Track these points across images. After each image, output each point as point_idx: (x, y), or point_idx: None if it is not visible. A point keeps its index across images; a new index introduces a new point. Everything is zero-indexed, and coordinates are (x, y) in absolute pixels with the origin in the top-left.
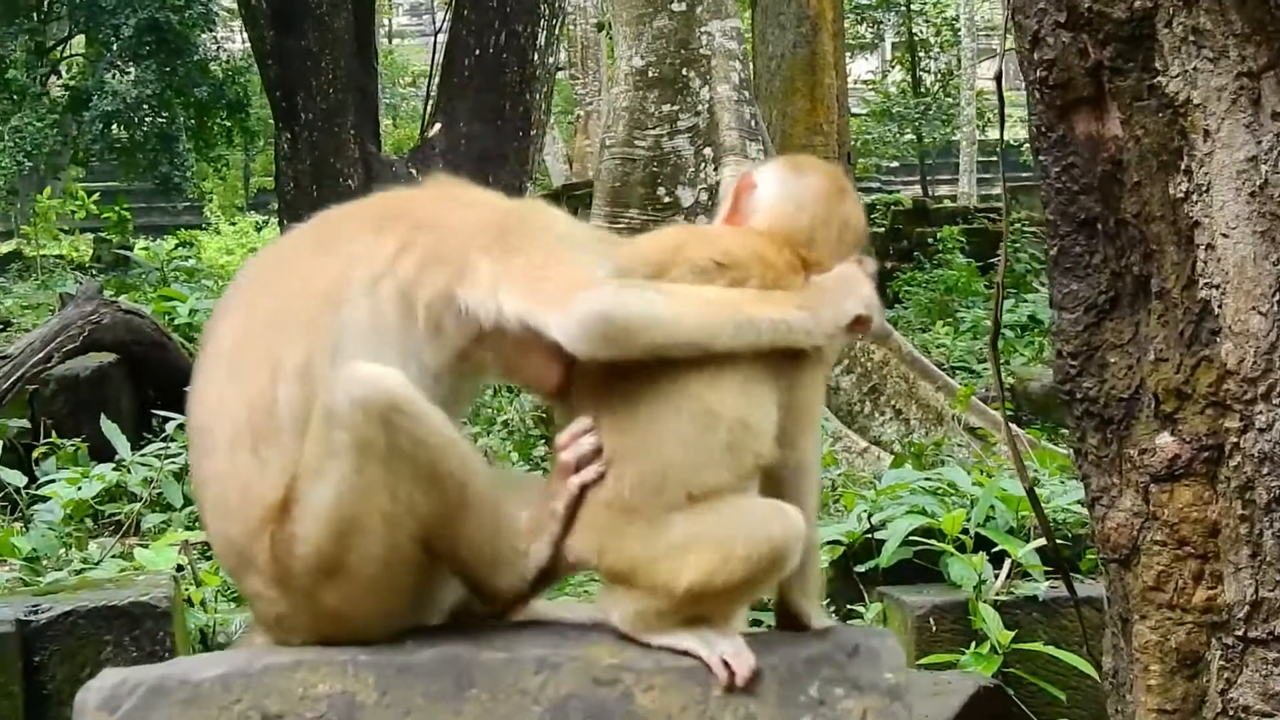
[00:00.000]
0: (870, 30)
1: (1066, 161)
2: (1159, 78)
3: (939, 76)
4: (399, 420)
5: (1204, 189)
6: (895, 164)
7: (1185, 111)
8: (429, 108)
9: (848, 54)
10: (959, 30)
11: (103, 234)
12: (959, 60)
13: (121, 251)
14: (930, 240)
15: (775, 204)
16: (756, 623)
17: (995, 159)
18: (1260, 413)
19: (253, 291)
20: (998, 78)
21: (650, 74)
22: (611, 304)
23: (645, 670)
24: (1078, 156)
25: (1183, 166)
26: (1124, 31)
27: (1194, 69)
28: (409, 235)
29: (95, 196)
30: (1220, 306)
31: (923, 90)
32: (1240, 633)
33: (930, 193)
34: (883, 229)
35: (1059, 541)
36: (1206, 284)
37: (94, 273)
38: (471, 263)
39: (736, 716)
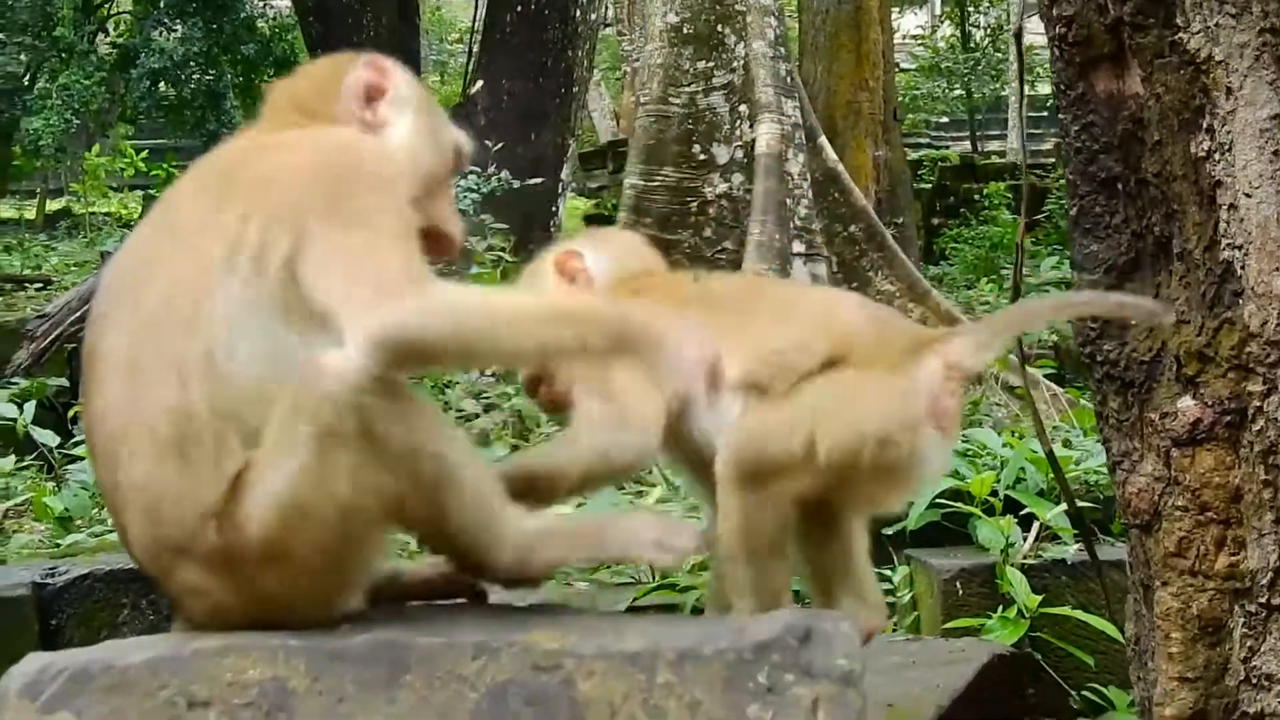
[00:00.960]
0: None
1: (1086, 120)
2: (1180, 34)
3: (988, 31)
4: (368, 406)
5: (1226, 148)
6: (945, 119)
7: (1207, 69)
8: (471, 65)
9: (896, 9)
10: None
11: (151, 191)
12: (1008, 14)
13: None
14: (977, 197)
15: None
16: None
17: (1046, 114)
18: None
19: (125, 295)
20: (1017, 35)
21: (685, 30)
22: (413, 319)
23: (587, 656)
24: (1098, 115)
25: (1204, 125)
26: None
27: (1215, 25)
28: (248, 200)
29: (144, 154)
30: (1243, 268)
31: (972, 45)
32: (1263, 599)
33: (979, 149)
34: (929, 185)
35: (1091, 505)
36: (1229, 245)
37: None
38: (308, 230)
39: (681, 704)
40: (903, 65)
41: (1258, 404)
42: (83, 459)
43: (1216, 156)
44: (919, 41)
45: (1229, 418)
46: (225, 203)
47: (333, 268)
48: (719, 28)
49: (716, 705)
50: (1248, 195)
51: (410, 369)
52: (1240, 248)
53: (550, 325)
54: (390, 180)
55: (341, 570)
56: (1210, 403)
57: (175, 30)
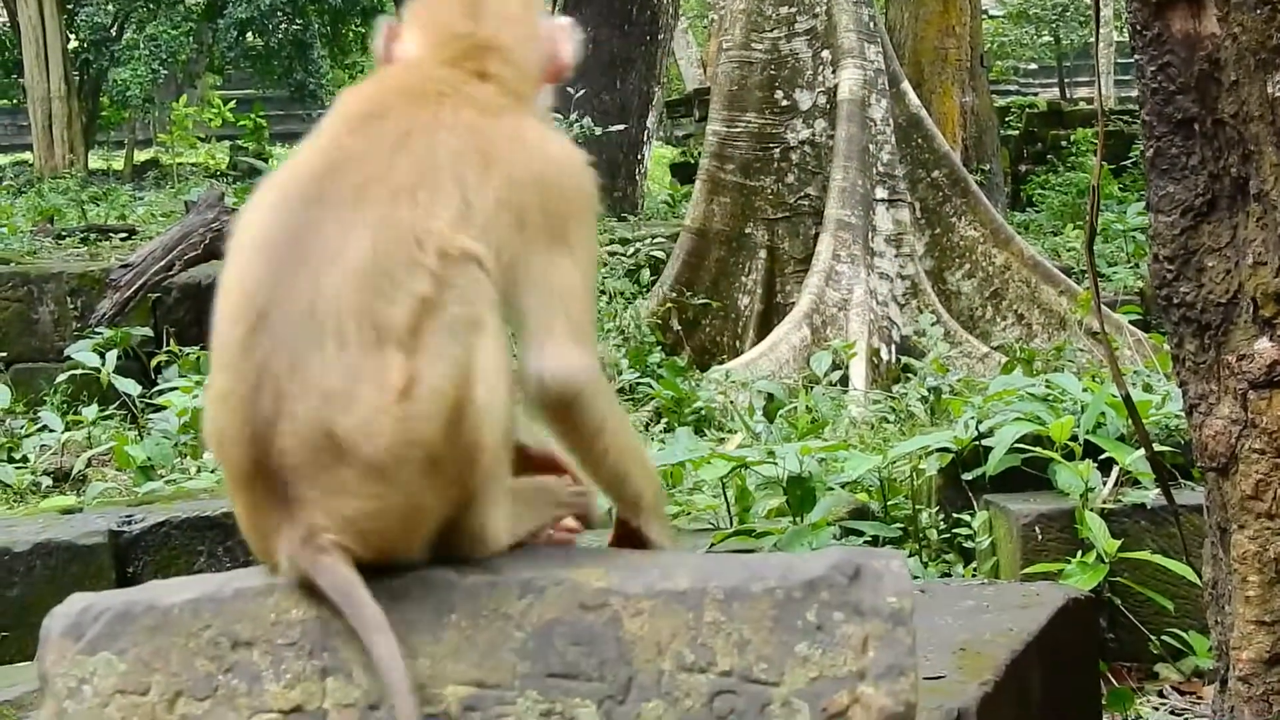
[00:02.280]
0: None
1: (1162, 60)
2: None
3: None
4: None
5: None
6: (1033, 66)
7: None
8: (555, 12)
9: None
10: None
11: (239, 142)
12: None
13: (253, 161)
14: (1064, 143)
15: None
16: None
17: (1133, 60)
18: None
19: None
20: None
21: None
22: (593, 380)
23: (634, 595)
24: (1174, 55)
25: None
26: None
27: None
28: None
29: (231, 104)
30: None
31: None
32: None
33: (1068, 95)
34: (1017, 132)
35: (1171, 449)
36: None
37: (229, 180)
38: (534, 240)
39: (729, 643)
40: (990, 11)
41: None
42: (165, 409)
43: None
44: None
45: None
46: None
47: (543, 287)
48: None
49: (765, 643)
50: None
51: (547, 418)
52: None
53: (637, 469)
54: (594, 207)
55: (478, 495)
56: None
57: None
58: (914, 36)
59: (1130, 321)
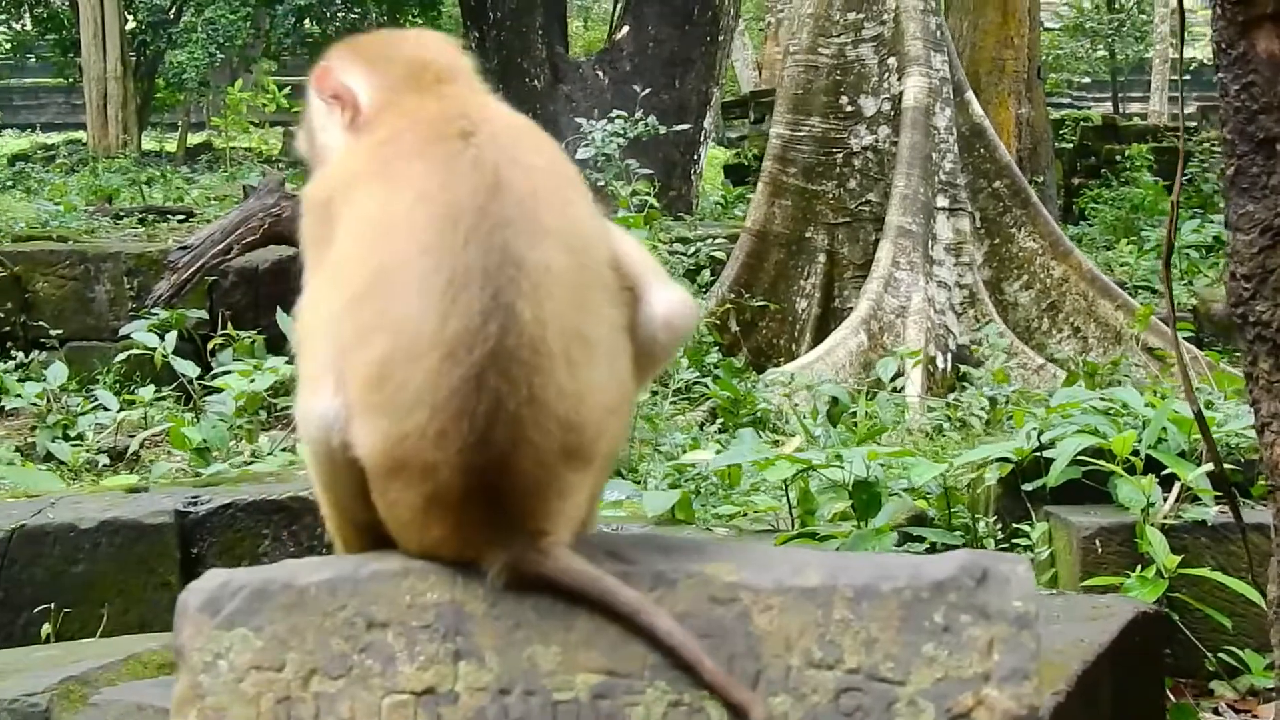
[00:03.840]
0: None
1: (1246, 79)
2: None
3: None
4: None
5: None
6: (1087, 80)
7: None
8: (617, 10)
9: None
10: None
11: (292, 128)
12: None
13: None
14: (1118, 158)
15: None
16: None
17: (1188, 78)
18: None
19: (540, 219)
20: None
21: None
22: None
23: (764, 590)
24: (1258, 74)
25: None
26: None
27: None
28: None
29: (286, 90)
30: None
31: (1117, 6)
32: None
33: (1121, 110)
34: (1071, 145)
35: (1231, 467)
36: None
37: (281, 166)
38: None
39: (857, 641)
40: (1047, 24)
41: None
42: (221, 390)
43: None
44: (1064, 0)
45: None
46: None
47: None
48: None
49: (892, 643)
50: None
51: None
52: None
53: None
54: None
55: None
56: None
57: None
58: (972, 46)
59: (1184, 338)
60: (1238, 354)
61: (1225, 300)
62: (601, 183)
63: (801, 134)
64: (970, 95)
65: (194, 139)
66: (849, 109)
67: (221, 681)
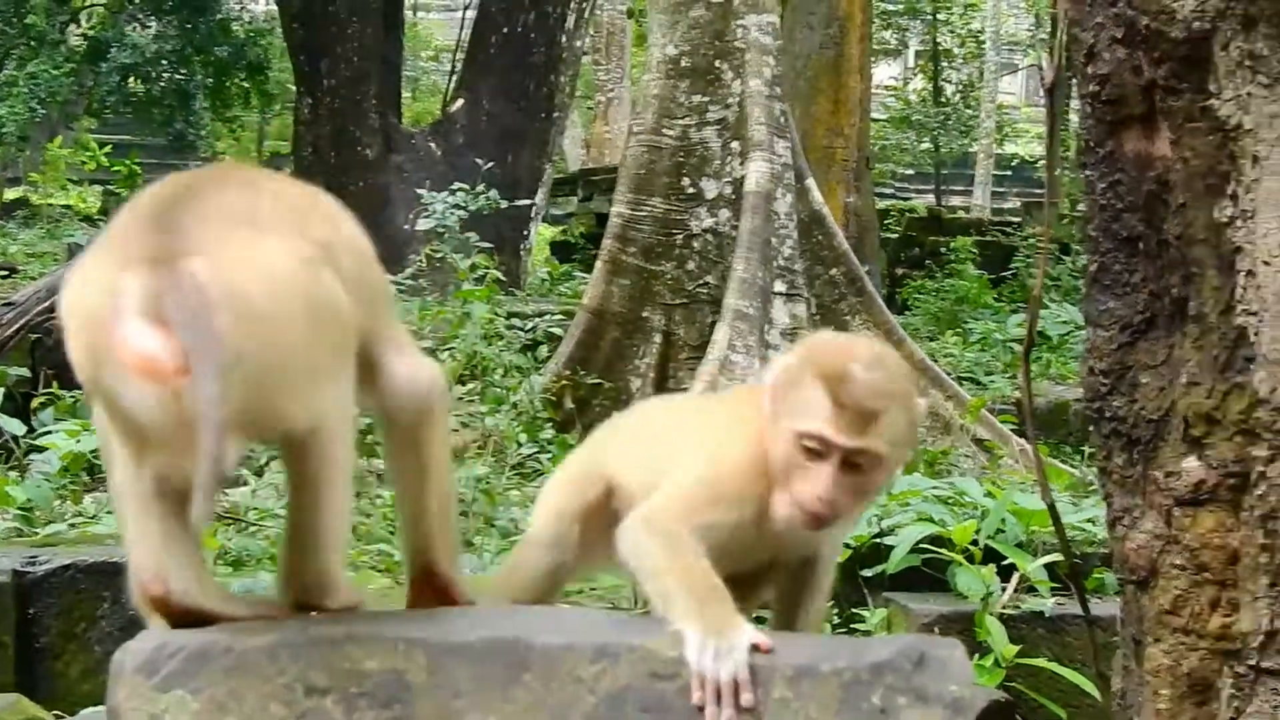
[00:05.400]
0: (895, 37)
1: (1113, 178)
2: (1212, 100)
3: (960, 87)
4: None
5: (1249, 215)
6: (910, 172)
7: (1236, 136)
8: (452, 82)
9: (871, 59)
10: (983, 43)
11: (112, 187)
12: (981, 73)
13: None
14: (943, 250)
15: None
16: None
17: (1010, 173)
18: None
19: None
20: (1050, 89)
21: (683, 63)
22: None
23: None
24: (1125, 174)
25: (1229, 191)
26: (1180, 51)
27: (1248, 94)
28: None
29: (107, 149)
30: (1257, 334)
31: (943, 100)
32: (1253, 662)
33: (944, 203)
34: (896, 235)
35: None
36: (1244, 310)
37: (101, 225)
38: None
39: (796, 719)
40: (874, 115)
41: (1261, 469)
42: (47, 450)
43: (1239, 223)
44: (891, 92)
45: (1232, 480)
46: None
47: None
48: (716, 63)
49: None
50: (1266, 263)
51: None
52: (1255, 314)
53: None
54: None
55: None
56: (1215, 465)
57: (149, 27)
58: (803, 133)
59: (1010, 430)
60: (1067, 446)
61: (1084, 394)
62: (441, 255)
63: (642, 214)
64: (811, 182)
65: (10, 194)
66: (690, 191)
67: None
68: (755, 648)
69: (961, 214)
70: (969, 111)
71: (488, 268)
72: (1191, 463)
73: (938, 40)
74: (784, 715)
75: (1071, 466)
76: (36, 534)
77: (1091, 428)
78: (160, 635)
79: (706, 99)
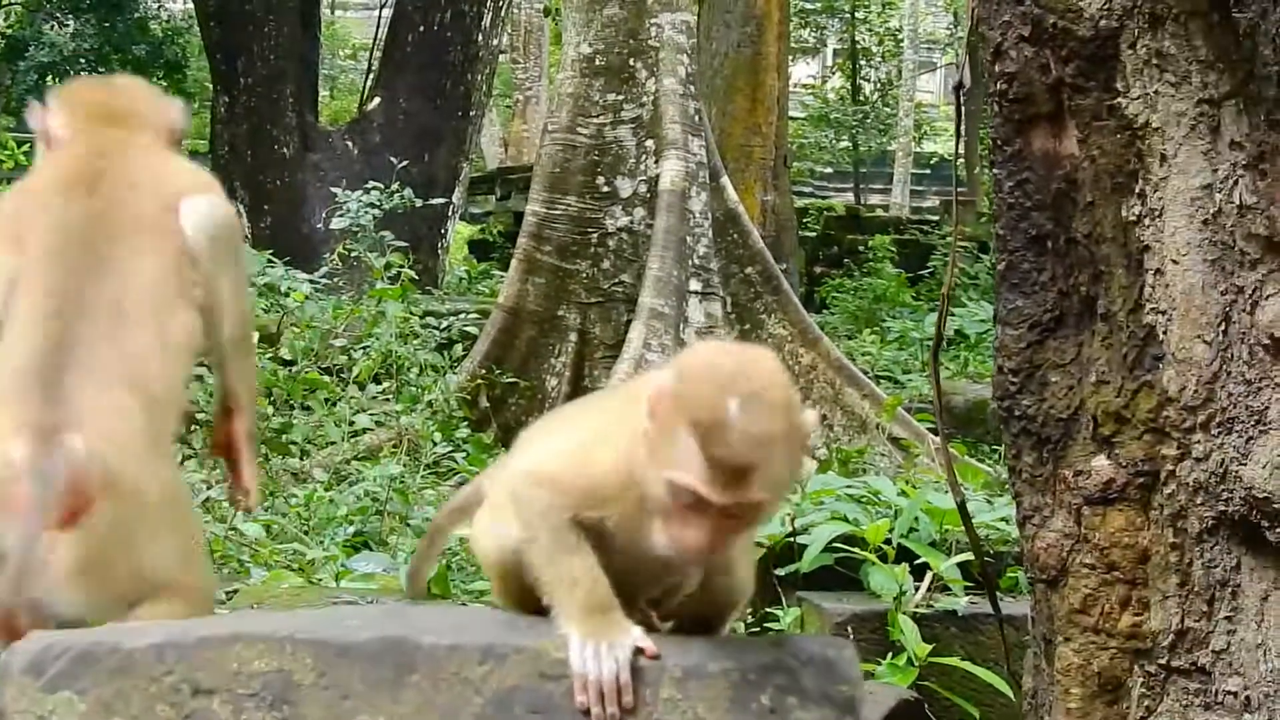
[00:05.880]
0: (813, 35)
1: (1021, 177)
2: (1119, 99)
3: (878, 86)
4: None
5: (1157, 213)
6: (829, 170)
7: (1143, 134)
8: (368, 81)
9: (789, 57)
10: (901, 41)
11: None
12: (899, 71)
13: None
14: (861, 248)
15: None
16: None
17: (928, 171)
18: (1198, 442)
19: None
20: (958, 88)
21: (597, 62)
22: None
23: None
24: (1032, 172)
25: (1137, 189)
26: (1087, 50)
27: (1155, 92)
28: None
29: (25, 148)
30: (1165, 333)
31: (861, 99)
32: (1163, 661)
33: (862, 201)
34: (814, 234)
35: (978, 559)
36: (1153, 309)
37: None
38: None
39: (685, 719)
40: (792, 114)
41: (1170, 468)
42: None
43: (1146, 221)
44: (809, 91)
45: (1141, 479)
46: None
47: None
48: (631, 61)
49: None
50: (1175, 262)
51: None
52: (1164, 313)
53: None
54: None
55: None
56: (1124, 464)
57: (67, 25)
58: (720, 132)
59: (927, 428)
60: (984, 445)
61: (993, 393)
62: (355, 253)
63: (557, 212)
64: (726, 181)
65: None
66: (605, 189)
67: None
68: (640, 651)
69: (880, 212)
70: (887, 110)
71: (402, 266)
72: (1101, 461)
73: (856, 39)
74: (672, 715)
75: (988, 465)
76: None
77: (1001, 426)
78: (49, 636)
79: (621, 97)
